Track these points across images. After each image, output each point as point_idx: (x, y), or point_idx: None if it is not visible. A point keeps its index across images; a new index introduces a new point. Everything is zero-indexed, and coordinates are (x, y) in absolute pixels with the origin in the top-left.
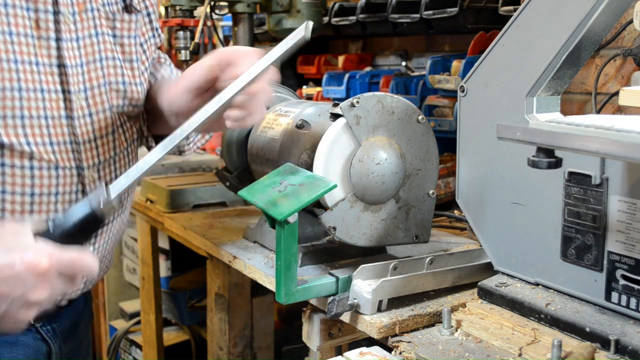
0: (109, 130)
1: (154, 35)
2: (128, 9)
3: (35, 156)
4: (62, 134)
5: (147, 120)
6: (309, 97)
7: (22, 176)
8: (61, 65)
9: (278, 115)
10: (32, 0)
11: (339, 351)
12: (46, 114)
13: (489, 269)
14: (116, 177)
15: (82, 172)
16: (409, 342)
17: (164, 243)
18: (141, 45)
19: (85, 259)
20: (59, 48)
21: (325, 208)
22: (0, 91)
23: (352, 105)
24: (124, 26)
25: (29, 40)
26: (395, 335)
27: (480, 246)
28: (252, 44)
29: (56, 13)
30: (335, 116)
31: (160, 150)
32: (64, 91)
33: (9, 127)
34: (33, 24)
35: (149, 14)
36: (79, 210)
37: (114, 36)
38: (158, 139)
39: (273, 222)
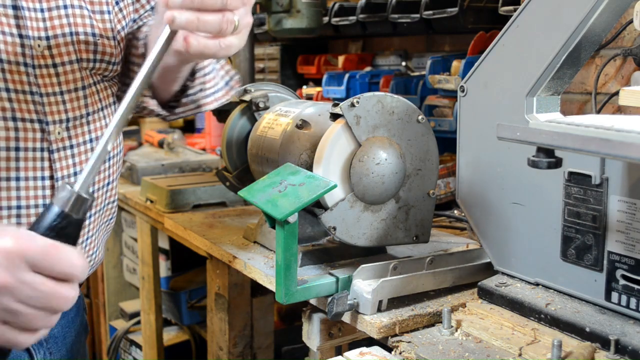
0: (78, 85)
1: None
2: None
3: None
4: (21, 82)
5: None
6: (309, 97)
7: None
8: (17, 7)
9: (278, 115)
10: None
11: (339, 351)
12: (1, 58)
13: (489, 269)
14: (91, 140)
15: (46, 127)
16: (409, 342)
17: (164, 243)
18: (116, 2)
19: (63, 249)
20: None
21: (325, 208)
22: None
23: (352, 105)
24: None
25: None
26: (395, 335)
27: (480, 246)
28: (252, 44)
29: None
30: (335, 116)
31: (113, 127)
32: (20, 36)
33: None
34: None
35: None
36: (49, 214)
37: None
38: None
39: (273, 222)
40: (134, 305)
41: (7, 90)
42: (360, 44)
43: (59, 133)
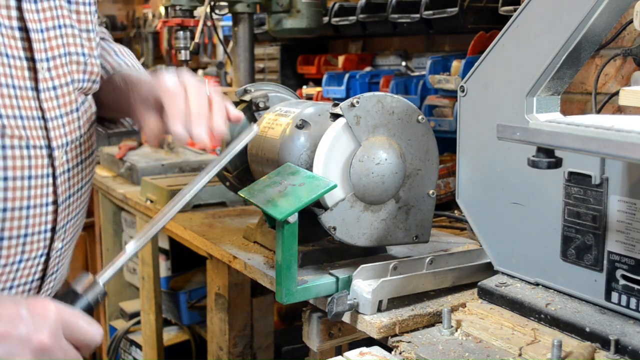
0: (73, 107)
1: (96, 10)
2: None
3: (7, 132)
4: (30, 107)
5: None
6: (309, 97)
7: None
8: (23, 29)
9: (278, 115)
10: None
11: (339, 351)
12: (13, 83)
13: (489, 269)
14: (82, 161)
15: (52, 152)
16: (409, 342)
17: (164, 243)
18: (93, 15)
19: (90, 321)
20: (19, 9)
21: (325, 208)
22: None
23: (352, 105)
24: None
25: None
26: (395, 335)
27: (480, 246)
28: (252, 44)
29: None
30: (335, 116)
31: (138, 241)
32: (27, 59)
33: None
34: None
35: None
36: (79, 302)
37: (69, 2)
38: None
39: (273, 222)
40: (134, 305)
41: (21, 117)
42: (360, 44)
43: (62, 157)
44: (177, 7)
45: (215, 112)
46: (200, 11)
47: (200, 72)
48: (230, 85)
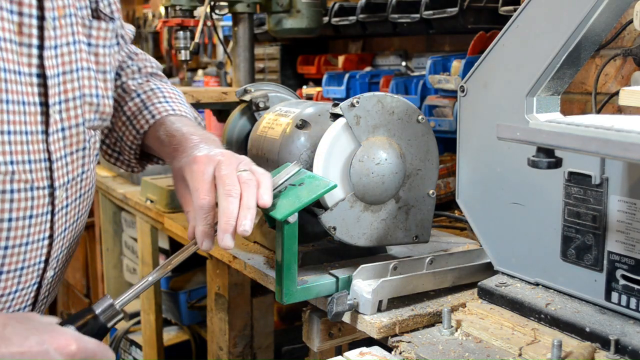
0: (80, 146)
1: (118, 43)
2: (95, 14)
3: (15, 177)
4: (38, 150)
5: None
6: (309, 97)
7: (2, 201)
8: (41, 76)
9: (278, 115)
10: (16, 3)
11: (339, 351)
12: (26, 130)
13: (489, 269)
14: (80, 196)
15: (54, 192)
16: (409, 342)
17: (164, 243)
18: (111, 56)
19: (107, 350)
20: (40, 57)
21: (325, 208)
22: None
23: (352, 105)
24: (100, 34)
25: (12, 47)
26: (395, 335)
27: (480, 246)
28: (252, 44)
29: (40, 18)
30: (335, 116)
31: (160, 269)
32: (41, 104)
33: None
34: (16, 28)
35: (115, 19)
36: (94, 324)
37: (89, 44)
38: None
39: (273, 222)
40: (134, 305)
41: (29, 162)
42: (360, 44)
43: (62, 195)
44: (177, 7)
45: (242, 213)
46: (200, 11)
47: (200, 72)
48: (230, 85)
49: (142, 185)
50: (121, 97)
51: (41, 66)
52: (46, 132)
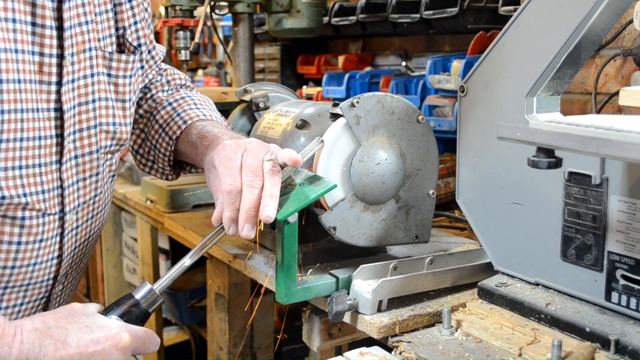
0: (93, 172)
1: (142, 67)
2: (122, 47)
3: (28, 207)
4: (52, 180)
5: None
6: (309, 97)
7: (12, 225)
8: (58, 110)
9: (278, 115)
10: (38, 44)
11: (339, 351)
12: (40, 162)
13: (489, 269)
14: (93, 217)
15: (64, 216)
16: (409, 342)
17: (164, 243)
18: (133, 83)
19: (153, 335)
20: (58, 92)
21: (325, 208)
22: (4, 142)
23: (352, 105)
24: (120, 66)
25: (33, 87)
26: (395, 335)
27: (480, 246)
28: (252, 44)
29: (60, 57)
30: (335, 116)
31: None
32: (57, 135)
33: (9, 179)
34: (37, 67)
35: (141, 47)
36: (137, 310)
37: (109, 75)
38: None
39: (273, 222)
40: None
41: (42, 192)
42: (360, 44)
43: (72, 219)
44: (177, 7)
45: (264, 201)
46: (200, 11)
47: (200, 72)
48: (230, 85)
49: (142, 185)
50: (152, 107)
51: (59, 100)
52: (60, 162)
